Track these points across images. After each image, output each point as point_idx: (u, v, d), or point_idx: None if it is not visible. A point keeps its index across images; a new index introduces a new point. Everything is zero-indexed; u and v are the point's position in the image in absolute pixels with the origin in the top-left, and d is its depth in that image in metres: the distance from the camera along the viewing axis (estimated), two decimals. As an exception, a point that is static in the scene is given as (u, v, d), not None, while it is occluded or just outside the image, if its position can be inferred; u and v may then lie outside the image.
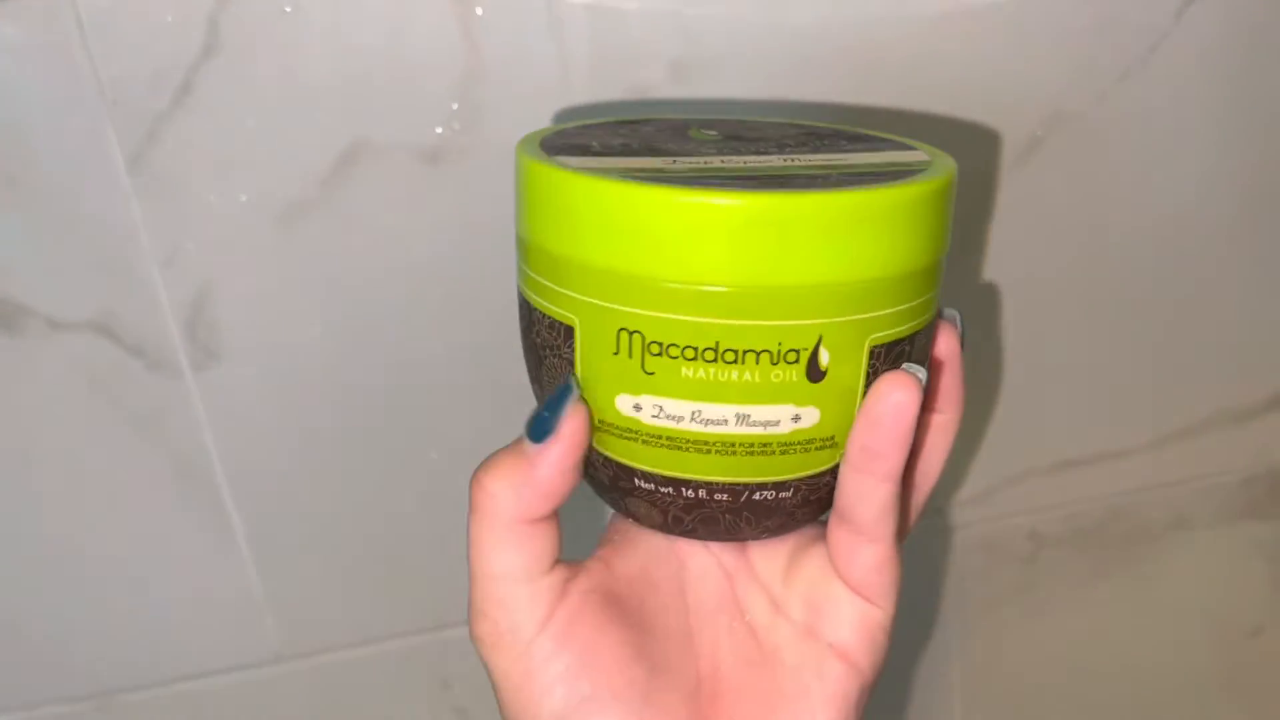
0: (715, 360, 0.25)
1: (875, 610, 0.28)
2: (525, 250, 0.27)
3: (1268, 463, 0.46)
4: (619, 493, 0.28)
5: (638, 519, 0.29)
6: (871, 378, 0.26)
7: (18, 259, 0.35)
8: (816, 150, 0.28)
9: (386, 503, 0.40)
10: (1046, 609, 0.47)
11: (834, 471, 0.27)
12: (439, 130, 0.34)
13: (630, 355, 0.25)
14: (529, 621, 0.27)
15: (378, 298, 0.37)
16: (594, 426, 0.27)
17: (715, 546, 0.31)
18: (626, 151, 0.27)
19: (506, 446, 0.28)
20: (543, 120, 0.35)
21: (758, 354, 0.25)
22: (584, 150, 0.27)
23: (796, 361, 0.25)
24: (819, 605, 0.29)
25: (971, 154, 0.37)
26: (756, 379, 0.25)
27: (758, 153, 0.28)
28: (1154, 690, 0.50)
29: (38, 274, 0.35)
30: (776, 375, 0.25)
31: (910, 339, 0.26)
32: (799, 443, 0.26)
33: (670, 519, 0.28)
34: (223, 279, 0.36)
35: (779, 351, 0.25)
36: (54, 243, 0.35)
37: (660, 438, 0.26)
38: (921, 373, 0.26)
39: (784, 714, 0.28)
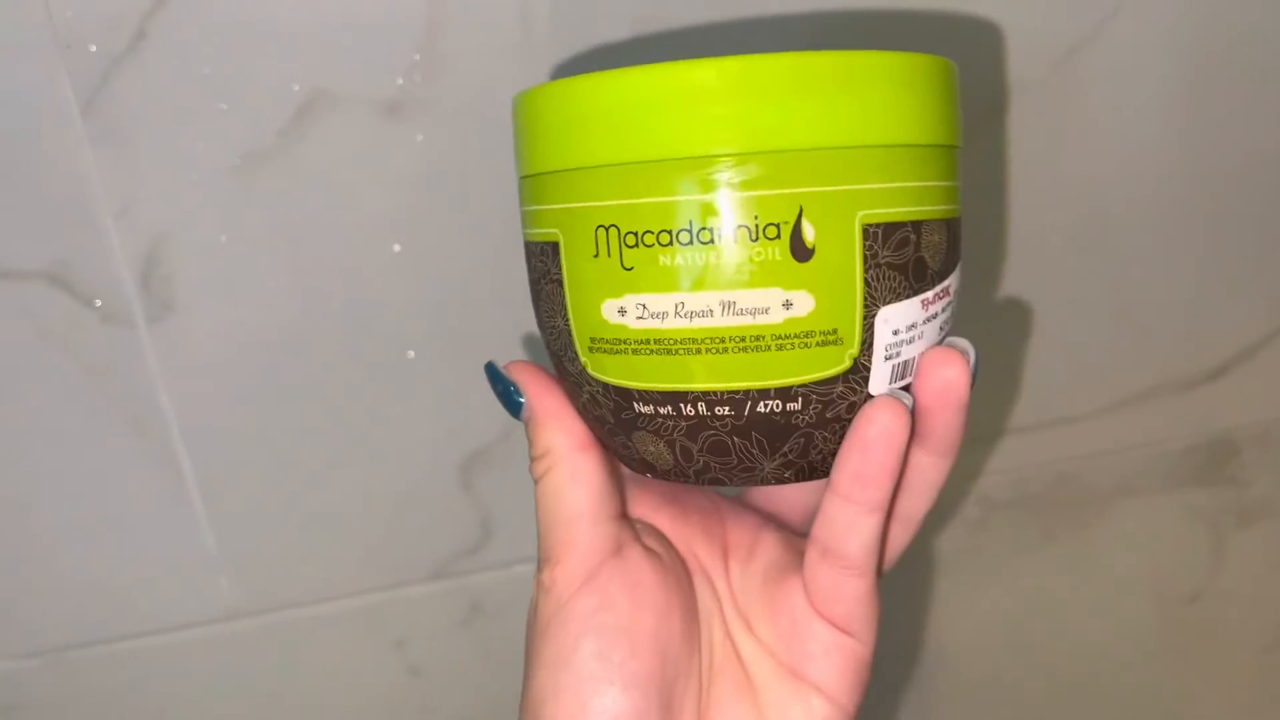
0: (691, 243, 0.24)
1: (858, 645, 0.28)
2: (520, 190, 0.28)
3: (1211, 431, 0.47)
4: (625, 430, 0.27)
5: (651, 467, 0.28)
6: (869, 261, 0.24)
7: (-33, 205, 0.34)
8: None
9: (343, 459, 0.40)
10: (994, 572, 0.48)
11: (847, 382, 0.25)
12: (400, 82, 0.34)
13: (609, 254, 0.25)
14: (586, 562, 0.28)
15: (335, 250, 0.36)
16: (588, 347, 0.26)
17: (705, 563, 0.31)
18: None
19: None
20: (505, 74, 0.35)
21: (735, 229, 0.24)
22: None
23: (778, 237, 0.24)
24: (801, 646, 0.28)
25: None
26: (736, 258, 0.24)
27: None
28: (1097, 653, 0.51)
29: (-12, 221, 0.34)
30: (758, 253, 0.24)
31: (915, 226, 0.25)
32: (796, 335, 0.25)
33: (679, 451, 0.27)
34: (178, 230, 0.35)
35: (756, 226, 0.24)
36: (4, 190, 0.34)
37: (648, 342, 0.25)
38: (908, 399, 0.25)
39: None
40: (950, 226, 0.26)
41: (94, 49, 0.33)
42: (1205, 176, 0.41)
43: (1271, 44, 0.39)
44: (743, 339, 0.24)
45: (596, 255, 0.25)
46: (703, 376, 0.25)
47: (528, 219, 0.27)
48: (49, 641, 0.42)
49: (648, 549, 0.29)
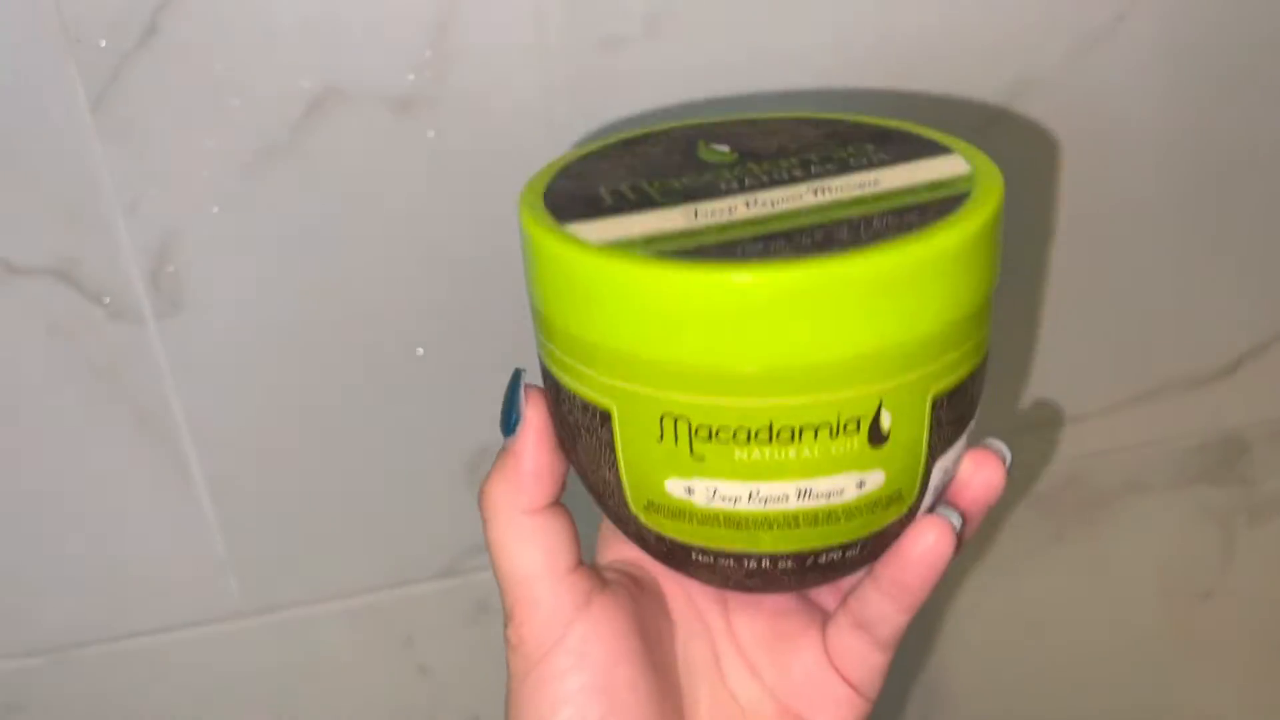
0: (770, 441, 0.23)
1: (865, 703, 0.30)
2: (544, 326, 0.26)
3: (1221, 428, 0.47)
4: (675, 563, 0.27)
5: (695, 579, 0.28)
6: (935, 428, 0.24)
7: (-24, 201, 0.34)
8: (844, 167, 0.26)
9: (351, 458, 0.40)
10: (1004, 572, 0.48)
11: (900, 522, 0.26)
12: (411, 78, 0.34)
13: (677, 441, 0.24)
14: (553, 623, 0.28)
15: (346, 247, 0.36)
16: (644, 506, 0.26)
17: (701, 604, 0.31)
18: (641, 202, 0.25)
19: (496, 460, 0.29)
20: (517, 70, 0.34)
21: (815, 429, 0.23)
22: (594, 205, 0.25)
23: (858, 430, 0.23)
24: (812, 695, 0.30)
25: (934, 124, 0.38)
26: (816, 453, 0.23)
27: (781, 180, 0.25)
28: (1108, 651, 0.51)
29: (-4, 217, 0.34)
30: (837, 447, 0.23)
31: (970, 379, 0.25)
32: (865, 505, 0.25)
33: (732, 583, 0.27)
34: (188, 226, 0.35)
35: (838, 423, 0.23)
36: (13, 186, 0.34)
37: (717, 518, 0.25)
38: (958, 519, 0.26)
39: None
40: (985, 364, 0.27)
41: (104, 44, 0.32)
42: (1215, 171, 0.41)
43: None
44: (815, 515, 0.25)
45: (661, 440, 0.24)
46: (770, 543, 0.25)
47: (562, 366, 0.25)
48: (54, 640, 0.42)
49: (616, 591, 0.29)
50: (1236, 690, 0.54)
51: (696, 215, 0.24)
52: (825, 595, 0.32)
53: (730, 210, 0.24)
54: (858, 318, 0.22)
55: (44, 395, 0.37)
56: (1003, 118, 0.38)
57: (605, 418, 0.25)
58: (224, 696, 0.44)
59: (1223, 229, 0.43)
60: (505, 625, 0.29)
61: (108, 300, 0.36)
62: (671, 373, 0.23)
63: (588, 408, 0.25)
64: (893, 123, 0.29)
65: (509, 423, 0.28)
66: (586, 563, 0.29)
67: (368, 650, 0.44)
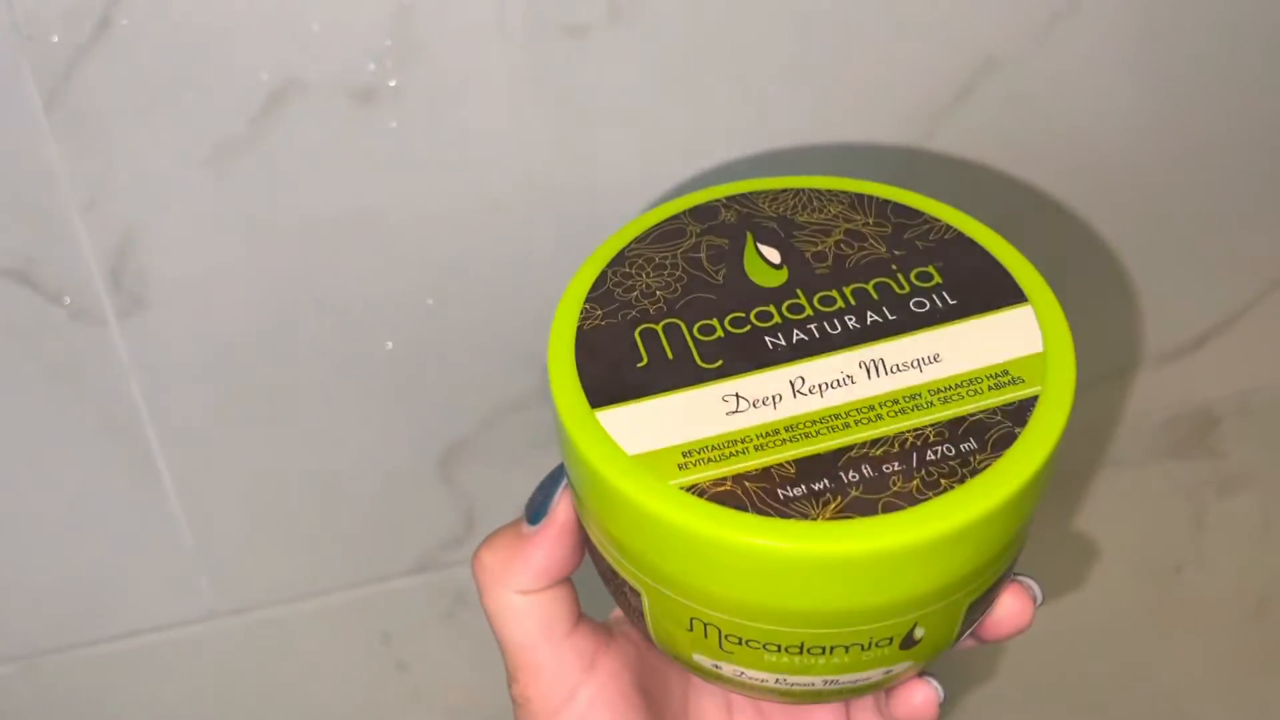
0: (801, 654, 0.23)
1: None
2: (578, 496, 0.25)
3: (1192, 403, 0.47)
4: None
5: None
6: (965, 624, 0.24)
7: (-72, 202, 0.33)
8: (902, 321, 0.24)
9: (322, 453, 0.40)
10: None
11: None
12: (371, 68, 0.34)
13: (706, 637, 0.23)
14: (557, 686, 0.27)
15: (310, 239, 0.36)
16: (670, 654, 0.26)
17: None
18: (680, 369, 0.23)
19: (508, 524, 0.28)
20: (479, 58, 0.34)
21: (847, 647, 0.23)
22: (628, 373, 0.23)
23: (890, 644, 0.23)
24: None
25: (901, 102, 0.38)
26: (847, 661, 0.23)
27: (831, 340, 0.24)
28: (1080, 625, 0.51)
29: (-50, 218, 0.34)
30: (868, 656, 0.23)
31: (999, 581, 0.25)
32: (889, 681, 0.25)
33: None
34: (148, 223, 0.35)
35: (870, 642, 0.23)
36: (-33, 186, 0.33)
37: (744, 685, 0.25)
38: (940, 690, 0.28)
39: None
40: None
41: (56, 40, 0.32)
42: (1181, 148, 0.41)
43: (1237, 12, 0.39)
44: (840, 693, 0.25)
45: (690, 630, 0.23)
46: (792, 700, 0.25)
47: (593, 528, 0.25)
48: (24, 646, 0.41)
49: (623, 646, 0.29)
50: (1210, 661, 0.54)
51: (738, 404, 0.23)
52: None
53: (774, 400, 0.23)
54: (902, 575, 0.21)
55: (4, 398, 0.36)
56: (967, 95, 0.38)
57: (637, 594, 0.24)
58: (200, 698, 0.43)
59: (1192, 201, 0.43)
60: (509, 683, 0.28)
61: (68, 300, 0.35)
62: (703, 597, 0.22)
63: (621, 580, 0.25)
64: (958, 219, 0.27)
65: (534, 511, 0.27)
66: (588, 617, 0.29)
67: (345, 648, 0.44)
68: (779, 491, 0.21)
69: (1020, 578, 0.28)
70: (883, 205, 0.27)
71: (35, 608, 0.40)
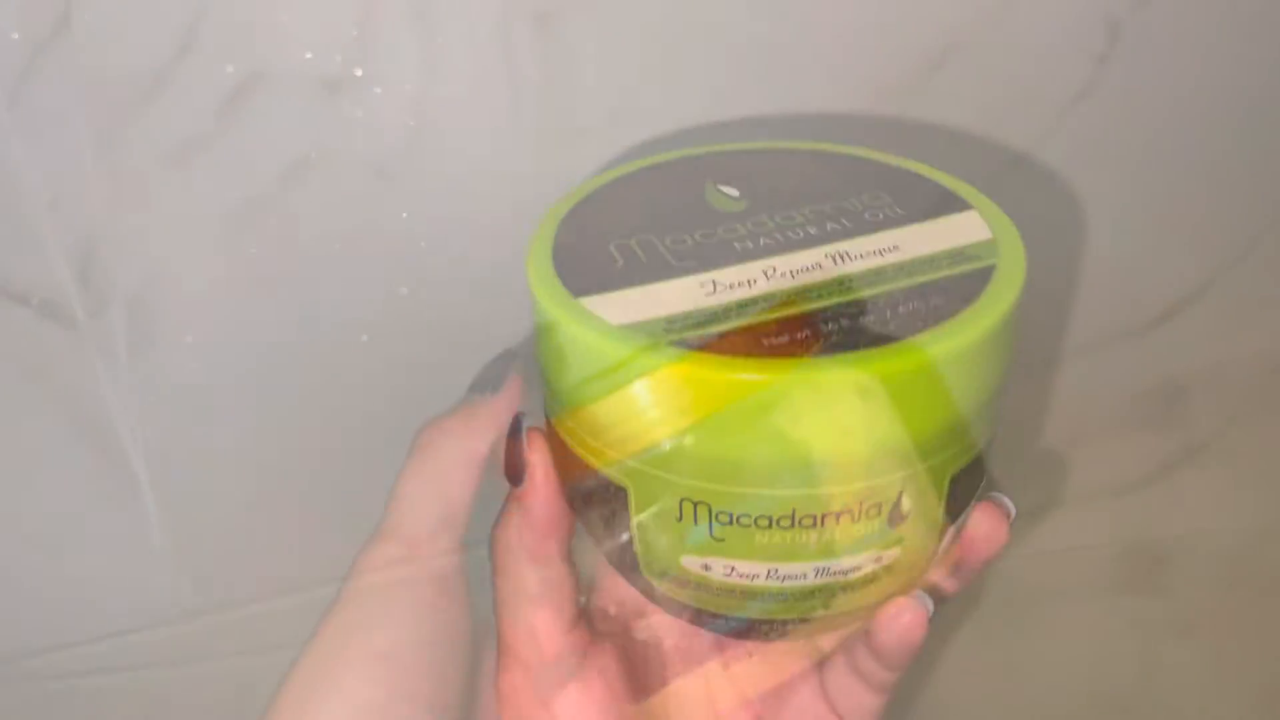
0: (792, 527, 0.23)
1: None
2: (556, 395, 0.25)
3: (1158, 375, 0.47)
4: (685, 617, 0.27)
5: (703, 628, 0.29)
6: (951, 503, 0.25)
7: (-110, 205, 0.33)
8: (860, 224, 0.26)
9: (299, 447, 0.40)
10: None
11: (909, 583, 0.26)
12: (338, 59, 0.33)
13: (696, 522, 0.24)
14: (544, 683, 0.28)
15: (279, 233, 0.36)
16: (657, 574, 0.26)
17: (696, 643, 0.31)
18: (655, 266, 0.24)
19: (509, 506, 0.28)
20: (446, 44, 0.34)
21: (837, 515, 0.23)
22: (607, 271, 0.24)
23: (879, 514, 0.23)
24: None
25: (864, 88, 0.38)
26: (836, 536, 0.24)
27: (796, 241, 0.25)
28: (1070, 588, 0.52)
29: (-87, 220, 0.33)
30: (858, 530, 0.24)
31: (986, 449, 0.25)
32: (878, 575, 0.25)
33: (739, 635, 0.28)
34: (115, 221, 0.34)
35: (860, 510, 0.23)
36: (-71, 187, 0.33)
37: (733, 590, 0.25)
38: (930, 603, 0.27)
39: None
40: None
41: (16, 37, 0.31)
42: (1143, 120, 0.42)
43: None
44: (830, 589, 0.25)
45: (680, 520, 0.24)
46: (782, 612, 0.25)
47: (574, 435, 0.25)
48: (4, 649, 0.41)
49: (611, 644, 0.29)
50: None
51: (715, 288, 0.24)
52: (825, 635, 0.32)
53: (749, 283, 0.24)
54: (886, 413, 0.22)
55: (-25, 401, 0.36)
56: (935, 73, 0.38)
57: (621, 494, 0.24)
58: (182, 698, 0.43)
59: (1153, 178, 0.43)
60: (497, 674, 0.28)
61: (35, 300, 0.35)
62: (694, 462, 0.23)
63: (603, 481, 0.25)
64: (905, 163, 0.29)
65: (515, 471, 0.27)
66: (584, 618, 0.29)
67: (326, 643, 0.44)
68: (764, 340, 0.22)
69: (994, 494, 0.28)
70: (836, 156, 0.29)
71: (8, 611, 0.40)
